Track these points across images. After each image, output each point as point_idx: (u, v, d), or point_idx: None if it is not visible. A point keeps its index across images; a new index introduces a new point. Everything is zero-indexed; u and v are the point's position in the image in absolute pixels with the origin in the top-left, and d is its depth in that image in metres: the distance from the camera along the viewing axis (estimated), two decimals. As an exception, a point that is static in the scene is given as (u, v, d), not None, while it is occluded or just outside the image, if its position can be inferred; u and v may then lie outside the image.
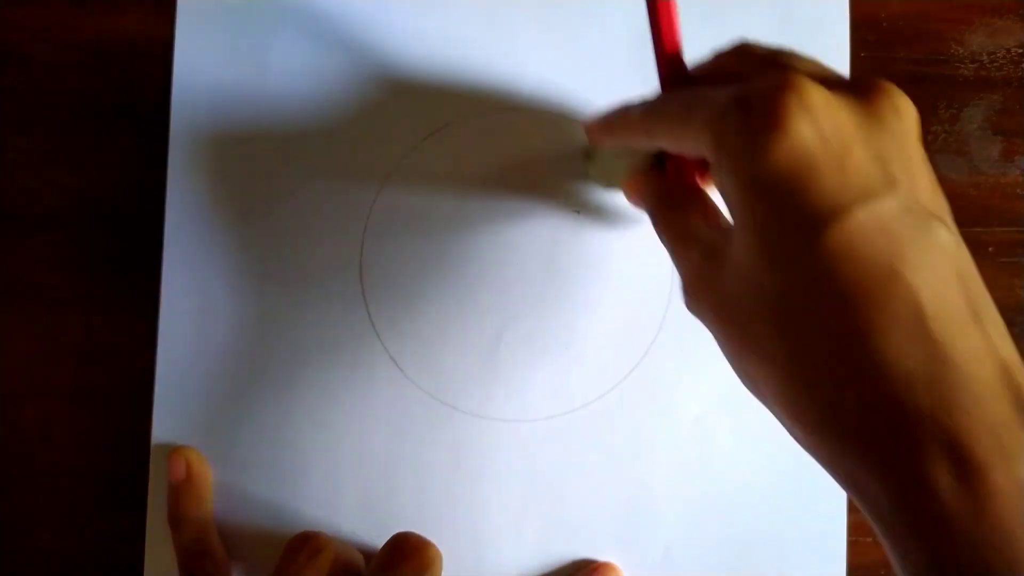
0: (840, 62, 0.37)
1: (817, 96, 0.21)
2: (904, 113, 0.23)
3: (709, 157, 0.23)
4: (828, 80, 0.23)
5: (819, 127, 0.21)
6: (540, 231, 0.36)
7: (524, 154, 0.36)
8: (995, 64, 0.38)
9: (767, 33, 0.36)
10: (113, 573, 0.35)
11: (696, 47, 0.27)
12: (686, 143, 0.24)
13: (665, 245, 0.27)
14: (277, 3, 0.36)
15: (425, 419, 0.35)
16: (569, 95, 0.36)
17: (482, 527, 0.35)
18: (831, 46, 0.37)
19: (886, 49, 0.37)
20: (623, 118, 0.28)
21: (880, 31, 0.37)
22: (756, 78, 0.23)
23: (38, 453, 0.35)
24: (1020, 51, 0.38)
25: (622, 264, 0.36)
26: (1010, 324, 0.37)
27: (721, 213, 0.26)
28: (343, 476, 0.35)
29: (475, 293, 0.36)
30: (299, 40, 0.36)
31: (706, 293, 0.24)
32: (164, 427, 0.35)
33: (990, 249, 0.37)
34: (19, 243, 0.36)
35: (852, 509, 0.35)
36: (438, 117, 0.36)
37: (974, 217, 0.37)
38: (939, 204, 0.23)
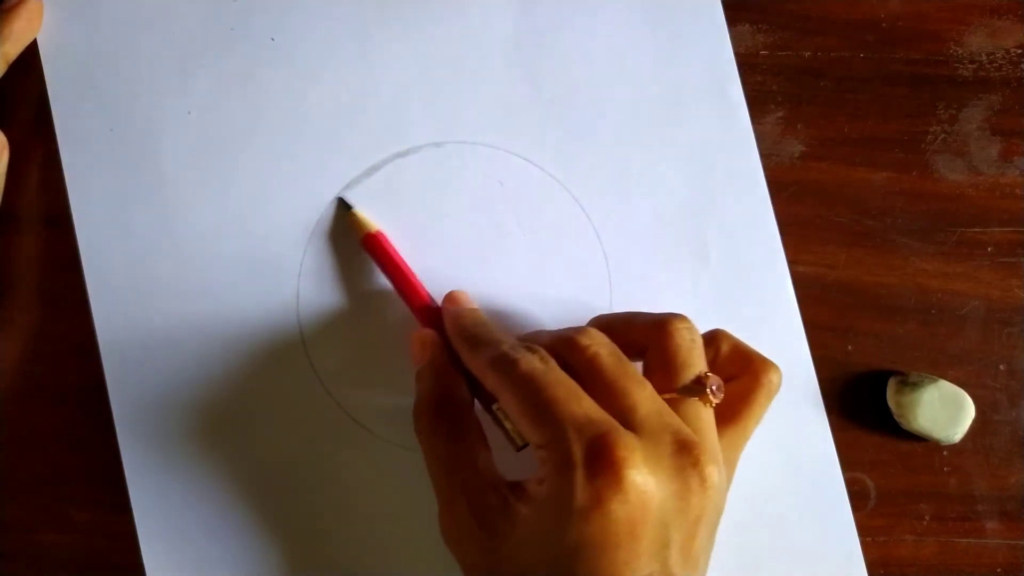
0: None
1: (639, 481, 0.25)
2: (708, 488, 0.27)
3: (541, 466, 0.27)
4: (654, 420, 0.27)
5: (630, 507, 0.25)
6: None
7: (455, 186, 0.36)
8: (994, 64, 0.38)
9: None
10: (113, 573, 0.35)
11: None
12: (527, 433, 0.28)
13: (432, 464, 0.30)
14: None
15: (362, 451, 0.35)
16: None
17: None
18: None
19: (885, 49, 0.37)
20: (475, 354, 0.30)
21: (879, 31, 0.37)
22: (592, 425, 0.26)
23: (37, 453, 0.35)
24: (1019, 51, 0.38)
25: (564, 282, 0.36)
26: (1010, 324, 0.37)
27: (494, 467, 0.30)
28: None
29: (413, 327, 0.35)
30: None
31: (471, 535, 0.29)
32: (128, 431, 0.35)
33: (989, 249, 0.37)
34: (19, 243, 0.36)
35: (852, 508, 0.36)
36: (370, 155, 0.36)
37: (973, 217, 0.37)
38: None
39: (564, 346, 0.29)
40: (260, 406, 0.35)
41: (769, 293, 0.36)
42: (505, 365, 0.28)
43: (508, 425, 0.30)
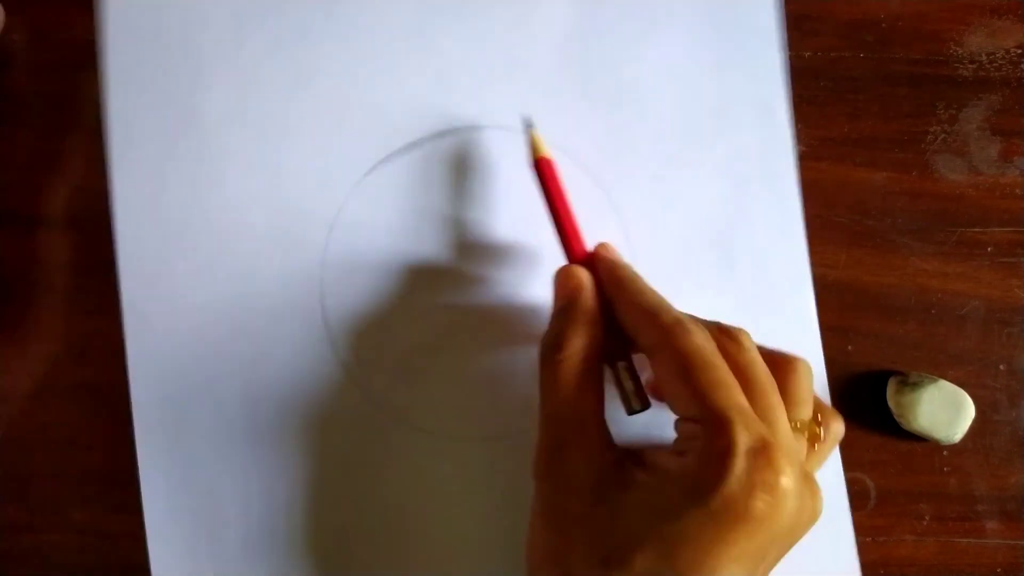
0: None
1: (791, 490, 0.26)
2: (814, 521, 0.28)
3: (697, 451, 0.27)
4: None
5: (772, 510, 0.26)
6: (506, 251, 0.35)
7: (481, 175, 0.36)
8: (994, 64, 0.38)
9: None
10: (116, 573, 0.35)
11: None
12: (681, 402, 0.28)
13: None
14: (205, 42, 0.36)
15: (401, 446, 0.35)
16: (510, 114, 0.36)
17: (457, 550, 0.34)
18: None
19: (885, 49, 0.37)
20: (647, 310, 0.29)
21: (879, 31, 0.37)
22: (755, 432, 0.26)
23: (37, 453, 0.35)
24: (1019, 51, 0.38)
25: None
26: (1010, 324, 0.37)
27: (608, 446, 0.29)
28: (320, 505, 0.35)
29: (445, 314, 0.35)
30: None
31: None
32: (145, 424, 0.34)
33: (989, 249, 0.37)
34: (19, 243, 0.36)
35: (852, 508, 0.36)
36: (386, 144, 0.36)
37: (973, 217, 0.37)
38: None
39: (724, 337, 0.29)
40: (286, 397, 0.35)
41: (790, 307, 0.36)
42: (681, 329, 0.28)
43: (629, 386, 0.30)
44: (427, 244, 0.35)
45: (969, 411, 0.35)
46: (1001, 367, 0.37)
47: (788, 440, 0.27)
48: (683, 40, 0.37)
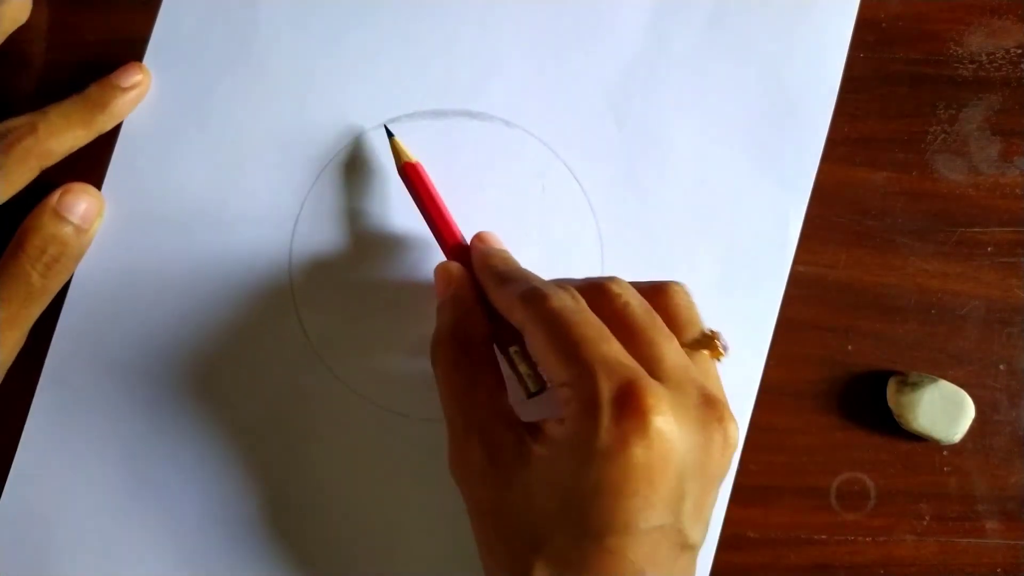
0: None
1: (666, 429, 0.25)
2: (730, 446, 0.27)
3: (563, 406, 0.27)
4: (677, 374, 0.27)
5: (652, 454, 0.25)
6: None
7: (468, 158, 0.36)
8: (994, 64, 0.38)
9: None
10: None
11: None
12: (551, 369, 0.28)
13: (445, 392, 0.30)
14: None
15: (376, 429, 0.35)
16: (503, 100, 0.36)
17: (440, 532, 0.35)
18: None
19: (885, 49, 0.37)
20: (506, 289, 0.30)
21: (879, 31, 0.37)
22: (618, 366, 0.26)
23: None
24: (1019, 51, 0.38)
25: (565, 255, 0.36)
26: (1010, 324, 0.37)
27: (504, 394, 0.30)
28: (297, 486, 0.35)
29: (414, 297, 0.35)
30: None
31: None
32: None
33: (989, 249, 0.37)
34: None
35: (851, 508, 0.36)
36: (370, 117, 0.36)
37: (973, 217, 0.37)
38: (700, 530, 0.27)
39: (595, 292, 0.28)
40: (245, 361, 0.35)
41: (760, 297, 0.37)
42: (536, 299, 0.28)
43: (523, 369, 0.30)
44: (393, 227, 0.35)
45: (969, 411, 0.35)
46: (1001, 367, 0.37)
47: (676, 372, 0.27)
48: (735, 95, 0.37)
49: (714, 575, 0.36)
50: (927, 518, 0.36)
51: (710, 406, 0.26)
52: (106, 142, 0.35)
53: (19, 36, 0.36)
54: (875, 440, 0.36)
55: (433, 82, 0.36)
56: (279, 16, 0.36)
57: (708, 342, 0.29)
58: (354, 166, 0.36)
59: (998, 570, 0.36)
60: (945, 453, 0.36)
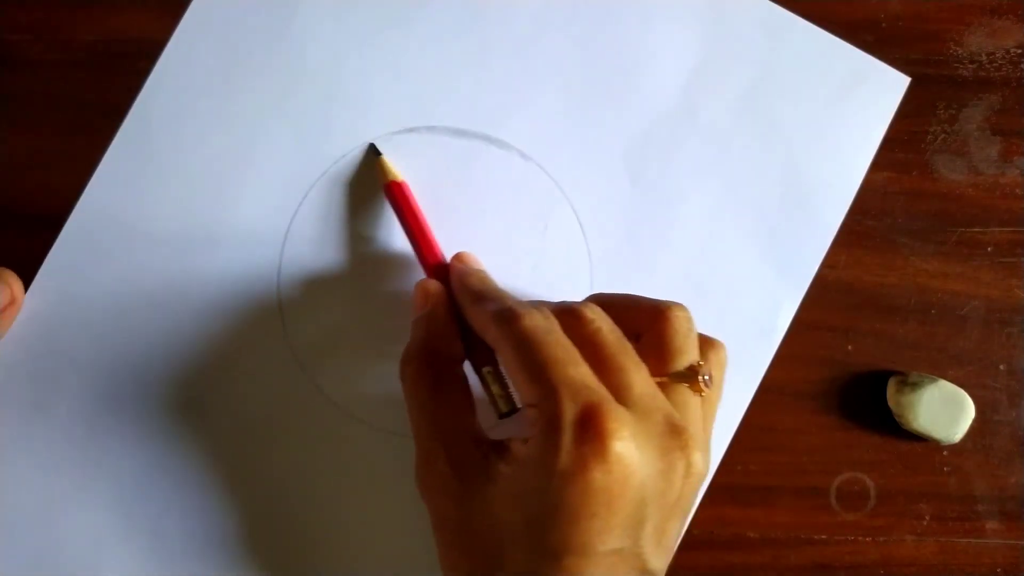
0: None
1: (625, 454, 0.25)
2: (693, 475, 0.27)
3: (529, 426, 0.27)
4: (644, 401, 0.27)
5: (611, 478, 0.25)
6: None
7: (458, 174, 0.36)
8: (994, 64, 0.38)
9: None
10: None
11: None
12: (519, 388, 0.28)
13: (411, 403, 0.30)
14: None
15: (364, 447, 0.35)
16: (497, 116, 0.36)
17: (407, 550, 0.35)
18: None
19: (885, 49, 0.37)
20: (480, 308, 0.30)
21: (879, 31, 0.37)
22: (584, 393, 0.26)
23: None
24: (1019, 51, 0.38)
25: (553, 297, 0.35)
26: (1009, 324, 0.37)
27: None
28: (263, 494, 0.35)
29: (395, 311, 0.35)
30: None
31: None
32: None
33: (989, 249, 0.37)
34: (19, 243, 0.36)
35: (851, 508, 0.36)
36: (356, 136, 0.36)
37: (973, 217, 0.37)
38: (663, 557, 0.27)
39: (567, 316, 0.29)
40: (234, 379, 0.35)
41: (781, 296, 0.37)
42: (509, 318, 0.28)
43: (495, 390, 0.30)
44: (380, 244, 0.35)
45: (969, 411, 0.35)
46: (1001, 367, 0.37)
47: (643, 399, 0.27)
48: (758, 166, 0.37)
49: (714, 575, 0.36)
50: (927, 518, 0.36)
51: (674, 434, 0.27)
52: (90, 160, 0.35)
53: (19, 36, 0.36)
54: (875, 440, 0.36)
55: (460, 100, 0.36)
56: (274, 27, 0.36)
57: (691, 376, 0.29)
58: (346, 182, 0.36)
59: (998, 570, 0.36)
60: (945, 453, 0.36)
